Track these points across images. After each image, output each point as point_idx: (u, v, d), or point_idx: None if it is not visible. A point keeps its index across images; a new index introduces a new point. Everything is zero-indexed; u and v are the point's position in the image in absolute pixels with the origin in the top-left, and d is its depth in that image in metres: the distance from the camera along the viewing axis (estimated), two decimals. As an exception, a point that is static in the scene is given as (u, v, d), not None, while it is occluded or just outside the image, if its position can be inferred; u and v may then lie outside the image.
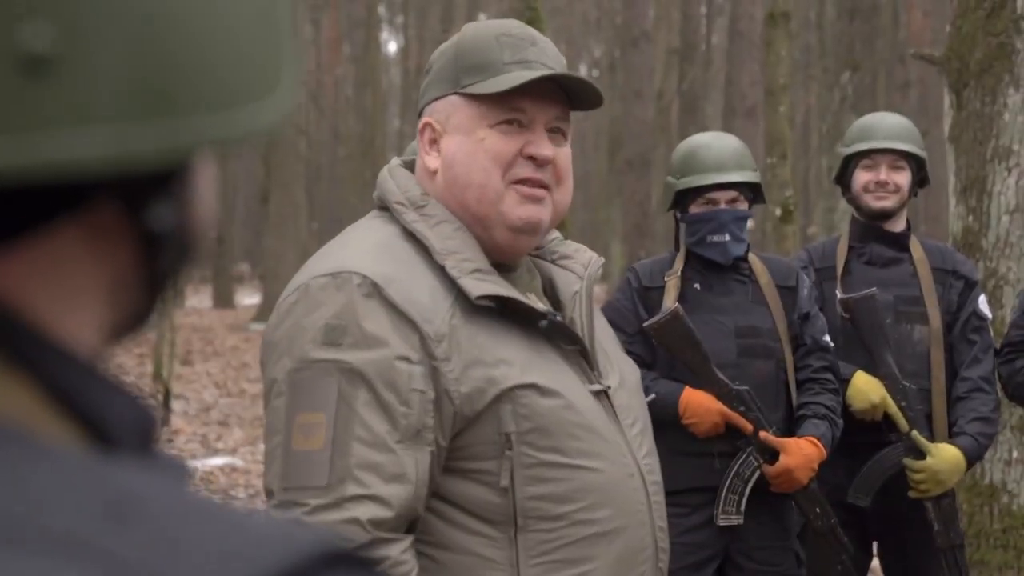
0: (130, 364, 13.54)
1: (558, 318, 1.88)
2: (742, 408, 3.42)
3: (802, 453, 3.44)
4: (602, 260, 2.08)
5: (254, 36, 0.62)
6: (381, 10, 33.69)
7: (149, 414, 0.63)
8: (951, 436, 3.80)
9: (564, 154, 1.90)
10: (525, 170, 1.86)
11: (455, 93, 1.88)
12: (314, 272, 1.80)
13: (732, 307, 3.57)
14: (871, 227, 3.98)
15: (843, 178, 4.05)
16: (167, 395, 10.66)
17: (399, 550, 1.71)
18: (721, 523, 3.44)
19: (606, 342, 2.01)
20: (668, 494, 2.06)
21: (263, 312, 21.11)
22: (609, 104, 21.93)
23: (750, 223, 3.66)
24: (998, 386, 3.91)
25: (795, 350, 3.60)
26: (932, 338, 3.87)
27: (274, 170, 21.23)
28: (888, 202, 3.94)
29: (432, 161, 1.89)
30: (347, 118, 33.35)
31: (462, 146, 1.86)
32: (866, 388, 3.75)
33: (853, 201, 4.02)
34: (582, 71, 37.70)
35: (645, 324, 3.42)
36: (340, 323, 1.74)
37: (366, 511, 1.70)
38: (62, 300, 0.61)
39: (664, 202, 3.70)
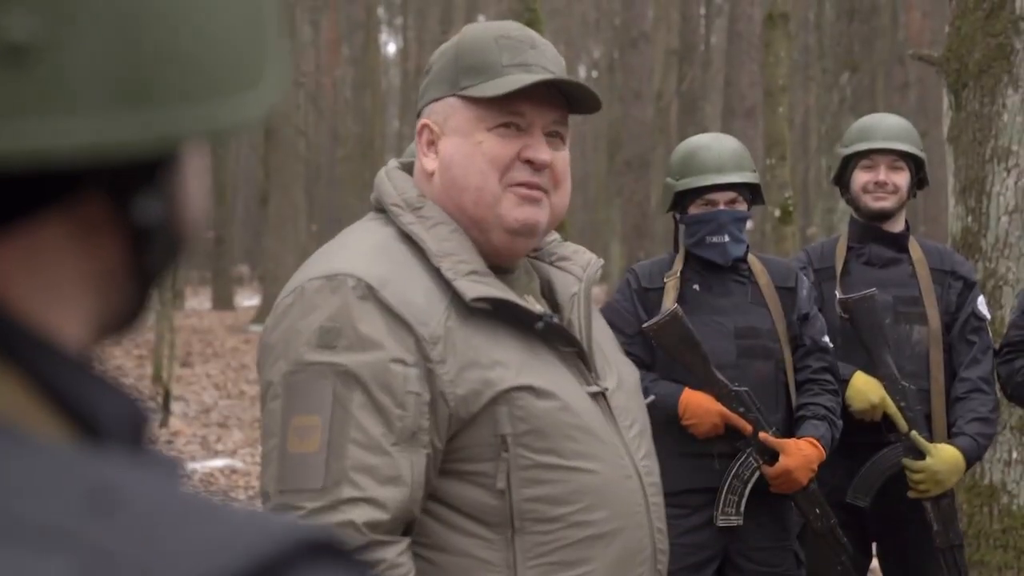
0: (130, 366, 13.53)
1: (554, 320, 1.87)
2: (741, 409, 3.42)
3: (801, 454, 3.44)
4: (601, 261, 2.07)
5: (238, 29, 0.62)
6: (380, 12, 33.70)
7: (141, 411, 0.63)
8: (950, 436, 3.80)
9: (562, 158, 1.90)
10: (522, 174, 1.85)
11: (453, 95, 1.87)
12: (309, 275, 1.80)
13: (731, 308, 3.57)
14: (870, 228, 3.99)
15: (842, 179, 4.05)
16: (167, 397, 10.66)
17: (395, 552, 1.71)
18: (721, 524, 3.44)
19: (604, 343, 2.01)
20: (667, 495, 2.05)
21: (262, 313, 21.10)
22: (608, 105, 21.95)
23: (749, 224, 3.66)
24: (997, 386, 3.91)
25: (794, 351, 3.60)
26: (931, 338, 3.87)
27: (273, 172, 21.23)
28: (887, 203, 3.94)
29: (430, 163, 1.89)
30: (346, 119, 33.34)
31: (460, 148, 1.86)
32: (865, 388, 3.75)
33: (852, 202, 4.02)
34: (581, 72, 37.70)
35: (644, 325, 3.42)
36: (335, 325, 1.74)
37: (362, 514, 1.70)
38: (48, 293, 0.61)
39: (663, 203, 3.70)
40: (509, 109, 1.84)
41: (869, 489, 3.78)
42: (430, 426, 1.75)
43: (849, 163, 4.00)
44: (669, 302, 3.50)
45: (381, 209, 1.92)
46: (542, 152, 1.85)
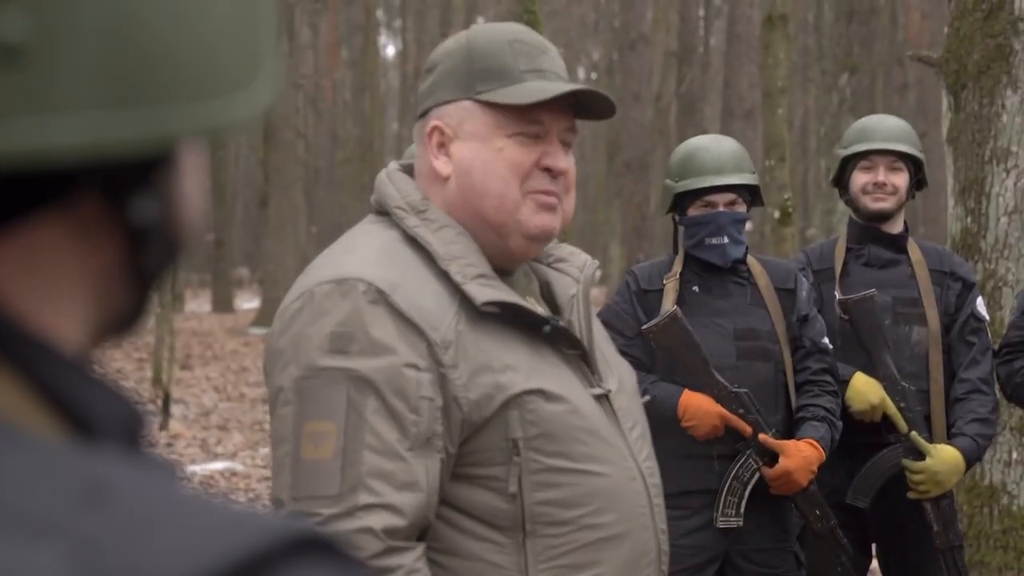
0: (129, 368, 13.53)
1: (560, 323, 1.88)
2: (741, 410, 3.42)
3: (801, 455, 3.44)
4: (596, 263, 2.08)
5: (231, 29, 0.62)
6: (379, 14, 33.71)
7: (137, 412, 0.63)
8: (950, 437, 3.80)
9: (572, 164, 1.92)
10: (541, 182, 1.86)
11: (469, 99, 1.85)
12: (318, 279, 1.79)
13: (731, 309, 3.57)
14: (869, 229, 3.98)
15: (841, 180, 4.05)
16: (167, 399, 10.65)
17: (412, 558, 1.71)
18: (721, 525, 3.44)
19: (603, 345, 2.01)
20: (667, 496, 2.06)
21: (262, 316, 21.10)
22: (607, 107, 21.89)
23: (748, 225, 3.66)
24: (996, 387, 3.91)
25: (794, 352, 3.60)
26: (930, 339, 3.87)
27: (273, 174, 21.22)
28: (886, 203, 3.94)
29: (443, 166, 1.87)
30: (345, 122, 33.37)
31: (479, 154, 1.84)
32: (865, 389, 3.75)
33: (851, 203, 4.02)
34: (580, 74, 37.70)
35: (644, 327, 3.42)
36: (347, 330, 1.72)
37: (379, 520, 1.69)
38: (44, 293, 0.62)
39: (663, 205, 3.70)
40: (530, 117, 1.84)
41: (869, 490, 3.78)
42: (443, 431, 1.74)
43: (848, 164, 4.00)
44: (668, 304, 3.50)
45: (382, 212, 1.91)
46: (561, 160, 1.86)
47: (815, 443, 3.47)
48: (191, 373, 14.75)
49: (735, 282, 3.60)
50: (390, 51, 43.95)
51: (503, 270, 1.90)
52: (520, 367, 1.80)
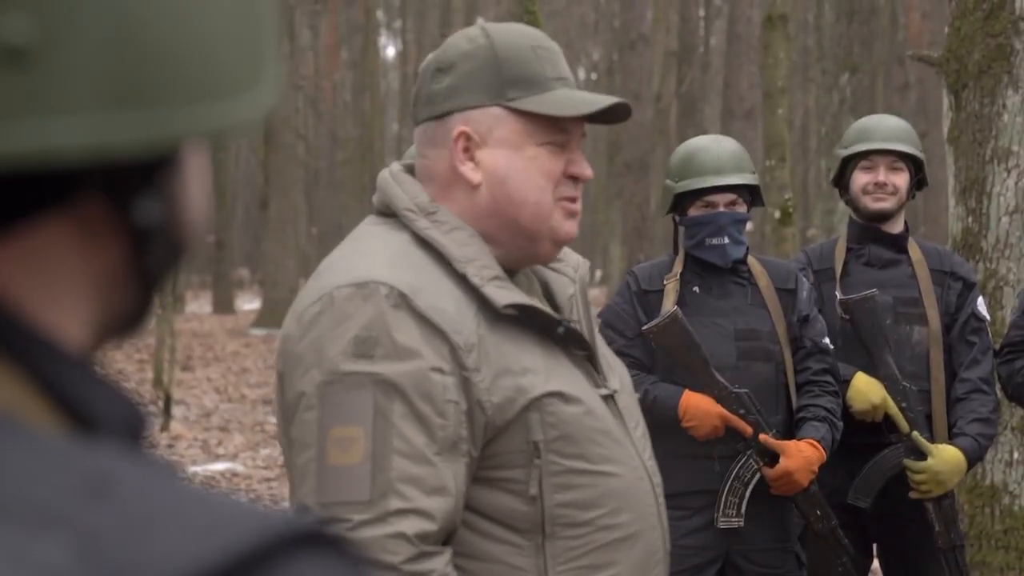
0: (130, 370, 13.54)
1: (572, 324, 1.88)
2: (742, 411, 3.42)
3: (802, 455, 3.44)
4: (587, 262, 2.09)
5: (234, 32, 0.63)
6: (379, 15, 33.72)
7: (138, 412, 0.64)
8: (951, 437, 3.80)
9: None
10: (569, 189, 1.87)
11: (499, 105, 1.84)
12: (336, 282, 1.76)
13: (731, 310, 3.57)
14: (869, 228, 3.98)
15: (841, 180, 4.05)
16: (167, 401, 10.66)
17: (443, 563, 1.71)
18: (721, 526, 3.44)
19: (601, 344, 2.02)
20: (668, 497, 2.06)
21: (263, 317, 21.11)
22: (608, 107, 21.90)
23: (749, 226, 3.66)
24: (997, 387, 3.91)
25: (794, 353, 3.60)
26: (931, 339, 3.87)
27: (273, 175, 21.23)
28: (887, 203, 3.93)
29: (472, 173, 1.84)
30: (345, 123, 33.37)
31: (513, 162, 1.84)
32: (866, 389, 3.75)
33: (851, 203, 4.01)
34: (580, 74, 37.71)
35: (644, 328, 3.42)
36: (370, 335, 1.71)
37: (411, 525, 1.68)
38: (48, 292, 0.62)
39: (663, 205, 3.70)
40: (559, 126, 1.85)
41: (870, 490, 3.78)
42: (467, 435, 1.74)
43: (848, 164, 4.00)
44: (669, 304, 3.50)
45: (386, 213, 1.89)
46: (586, 168, 1.89)
47: (816, 443, 3.47)
48: (192, 374, 14.76)
49: (735, 282, 3.60)
50: (390, 52, 43.97)
51: (508, 272, 1.91)
52: (538, 370, 1.80)
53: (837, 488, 3.72)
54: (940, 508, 3.79)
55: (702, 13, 25.84)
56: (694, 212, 3.58)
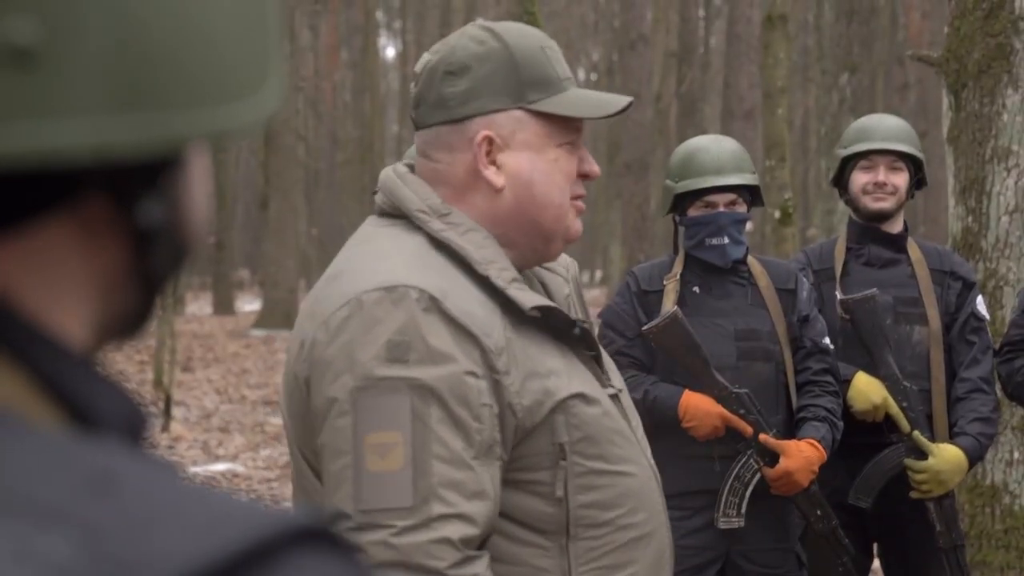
0: (131, 371, 13.54)
1: (586, 325, 1.89)
2: (742, 411, 3.42)
3: (802, 455, 3.44)
4: (575, 262, 2.10)
5: (239, 35, 0.63)
6: (379, 15, 33.73)
7: (139, 411, 0.64)
8: (952, 437, 3.80)
9: None
10: (579, 188, 1.90)
11: (520, 108, 1.83)
12: (362, 286, 1.74)
13: (731, 310, 3.57)
14: (869, 228, 3.98)
15: (840, 180, 4.05)
16: (168, 402, 10.66)
17: (484, 567, 1.71)
18: (722, 526, 3.44)
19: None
20: (668, 497, 2.07)
21: (263, 318, 21.12)
22: (608, 107, 21.90)
23: (749, 226, 3.66)
24: (997, 386, 3.91)
25: (795, 353, 3.60)
26: (932, 339, 3.87)
27: (273, 176, 21.24)
28: (886, 203, 3.94)
29: (495, 177, 1.83)
30: (345, 123, 33.39)
31: (537, 165, 1.84)
32: (867, 389, 3.75)
33: (851, 203, 4.02)
34: (580, 74, 37.70)
35: (644, 328, 3.42)
36: (404, 339, 1.69)
37: (456, 530, 1.68)
38: (51, 292, 0.63)
39: (663, 205, 3.70)
40: (574, 126, 1.87)
41: (871, 490, 3.78)
42: (500, 438, 1.74)
43: (848, 164, 4.00)
44: (669, 304, 3.50)
45: (391, 214, 1.87)
46: (595, 166, 1.91)
47: (816, 443, 3.47)
48: (192, 375, 14.76)
49: (735, 283, 3.60)
50: (390, 53, 43.99)
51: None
52: (560, 371, 1.80)
53: (838, 488, 3.72)
54: (941, 508, 3.79)
55: (702, 13, 25.85)
56: (694, 212, 3.58)
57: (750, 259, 3.64)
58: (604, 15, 32.46)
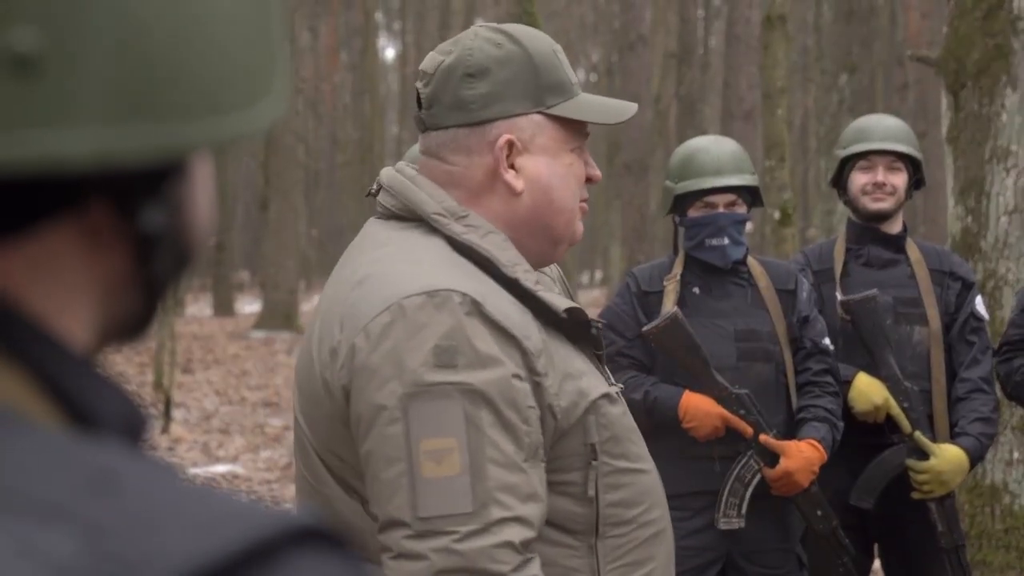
0: (131, 373, 13.54)
1: (600, 325, 1.90)
2: (742, 411, 3.42)
3: (802, 456, 3.44)
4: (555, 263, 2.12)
5: (243, 44, 0.64)
6: (378, 16, 33.73)
7: (140, 413, 0.65)
8: (953, 437, 3.81)
9: None
10: (584, 191, 1.92)
11: (540, 112, 1.84)
12: (402, 291, 1.72)
13: (731, 311, 3.57)
14: (868, 229, 3.99)
15: (839, 180, 4.05)
16: (168, 403, 10.66)
17: (538, 567, 1.72)
18: (722, 527, 3.44)
19: None
20: (669, 498, 2.07)
21: (263, 319, 21.10)
22: (607, 108, 21.89)
23: (749, 226, 3.66)
24: (997, 386, 3.91)
25: (795, 353, 3.61)
26: (932, 339, 3.87)
27: (273, 177, 21.23)
28: (885, 204, 3.94)
29: (515, 181, 1.83)
30: (345, 125, 33.38)
31: (554, 170, 1.85)
32: (868, 390, 3.76)
33: (850, 203, 4.02)
34: (580, 75, 37.70)
35: (644, 329, 3.42)
36: (451, 344, 1.68)
37: (516, 533, 1.68)
38: (55, 296, 0.63)
39: (663, 206, 3.71)
40: (583, 130, 1.88)
41: (873, 491, 3.78)
42: (542, 440, 1.75)
43: (847, 164, 4.00)
44: (669, 305, 3.50)
45: (400, 216, 1.85)
46: (598, 170, 1.93)
47: (816, 444, 3.47)
48: (192, 377, 14.76)
49: (735, 283, 3.60)
50: (389, 54, 43.99)
51: None
52: (588, 372, 1.82)
53: (839, 489, 3.73)
54: (943, 508, 3.79)
55: (701, 14, 25.85)
56: (694, 213, 3.58)
57: (750, 260, 3.65)
58: (603, 16, 32.46)
